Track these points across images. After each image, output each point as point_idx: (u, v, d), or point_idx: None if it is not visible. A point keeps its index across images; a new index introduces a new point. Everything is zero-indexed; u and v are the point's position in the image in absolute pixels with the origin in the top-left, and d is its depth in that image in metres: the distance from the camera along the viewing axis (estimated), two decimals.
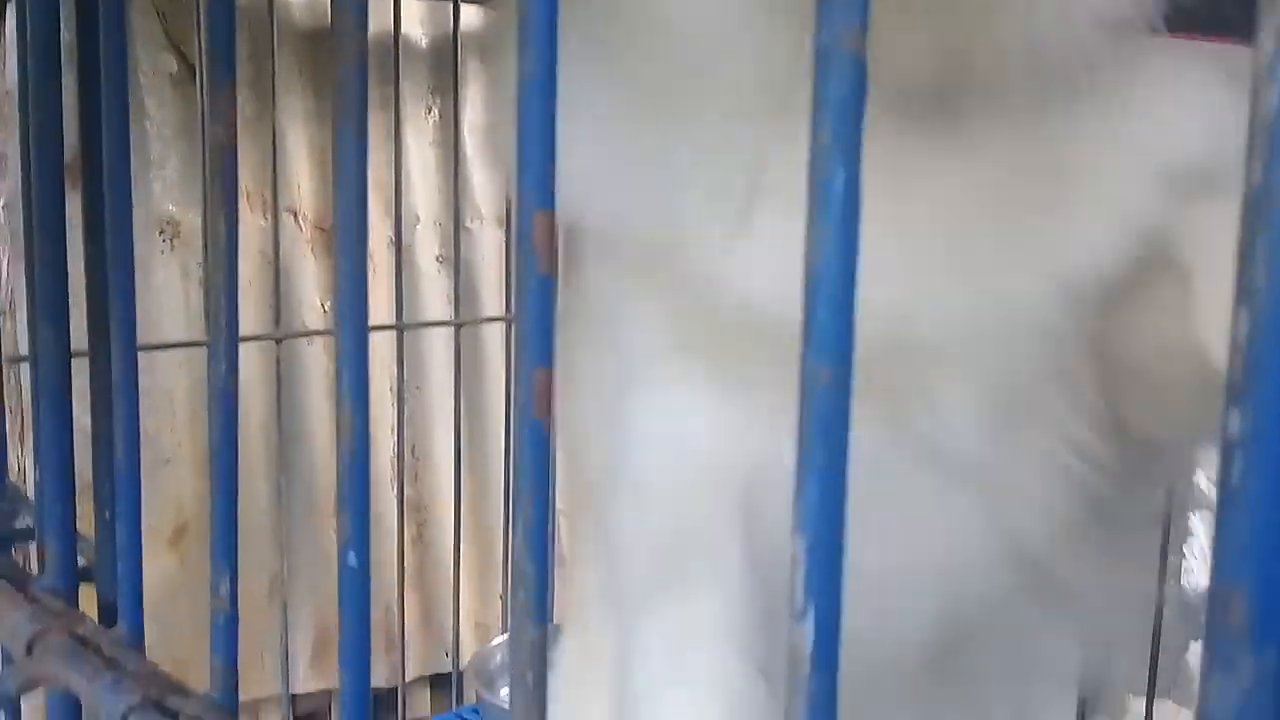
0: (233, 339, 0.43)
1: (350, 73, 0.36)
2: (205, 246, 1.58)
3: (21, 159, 0.55)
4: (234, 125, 0.42)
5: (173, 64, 1.75)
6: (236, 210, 0.44)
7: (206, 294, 1.47)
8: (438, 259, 1.97)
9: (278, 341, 1.55)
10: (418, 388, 1.90)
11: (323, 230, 1.86)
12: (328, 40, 1.67)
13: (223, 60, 0.41)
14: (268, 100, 1.60)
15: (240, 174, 1.71)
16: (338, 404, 0.38)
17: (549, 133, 0.29)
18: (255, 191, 1.73)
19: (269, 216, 1.72)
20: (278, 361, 1.55)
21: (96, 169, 0.50)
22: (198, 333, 1.67)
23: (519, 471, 0.31)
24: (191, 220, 1.73)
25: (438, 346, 1.89)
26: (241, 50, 1.69)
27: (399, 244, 1.62)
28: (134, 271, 0.50)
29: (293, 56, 1.82)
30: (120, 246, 0.49)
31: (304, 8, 1.84)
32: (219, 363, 0.43)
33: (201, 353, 0.72)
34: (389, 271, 1.67)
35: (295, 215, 1.84)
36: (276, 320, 1.61)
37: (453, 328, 1.67)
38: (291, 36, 1.81)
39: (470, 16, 1.93)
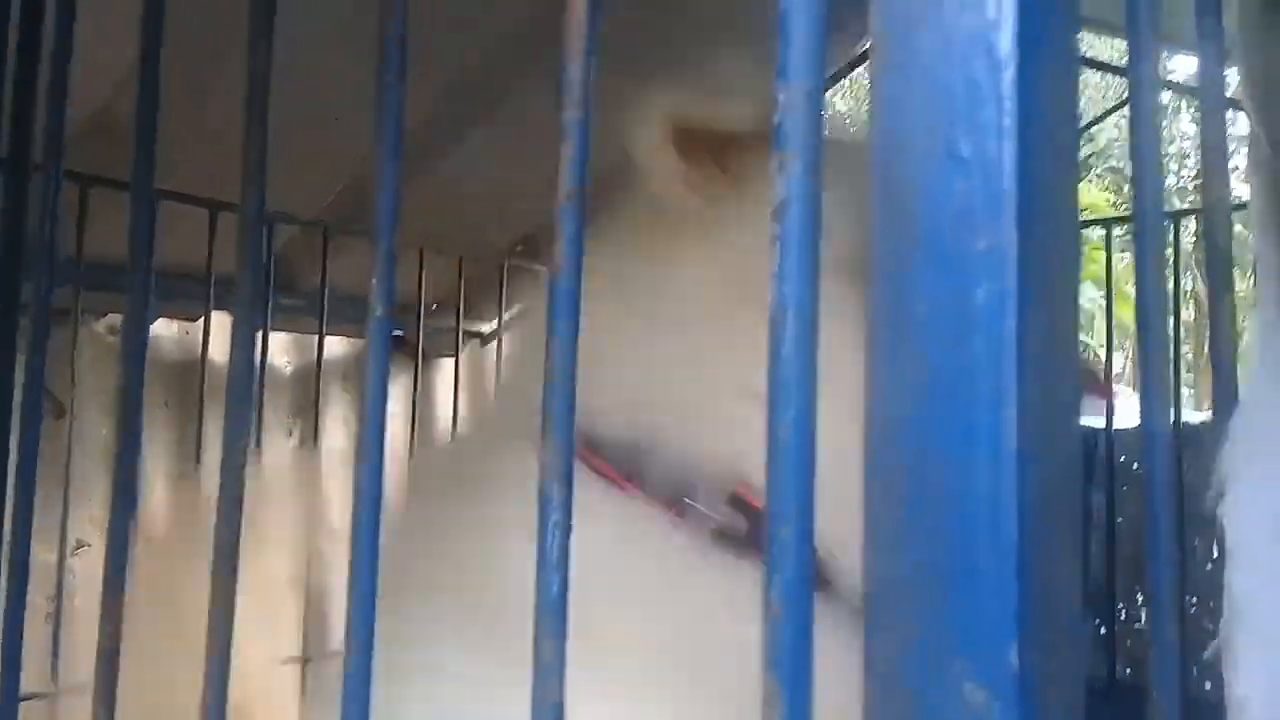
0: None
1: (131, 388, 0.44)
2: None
3: None
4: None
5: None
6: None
7: None
8: (288, 583, 1.98)
9: None
10: None
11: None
12: (194, 372, 1.77)
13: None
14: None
15: (94, 507, 1.73)
16: None
17: None
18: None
19: None
20: None
21: None
22: None
23: None
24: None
25: (287, 679, 1.87)
26: (110, 383, 1.76)
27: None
28: None
29: (159, 387, 1.88)
30: None
31: (173, 340, 1.93)
32: None
33: None
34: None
35: (149, 541, 1.85)
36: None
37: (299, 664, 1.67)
38: (161, 368, 1.89)
39: (333, 346, 2.06)
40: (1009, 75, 0.29)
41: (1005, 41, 0.29)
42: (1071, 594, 0.30)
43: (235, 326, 0.62)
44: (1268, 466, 0.61)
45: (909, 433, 0.28)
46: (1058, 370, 0.30)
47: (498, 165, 1.93)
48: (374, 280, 0.50)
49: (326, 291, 1.85)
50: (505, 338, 2.29)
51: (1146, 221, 0.47)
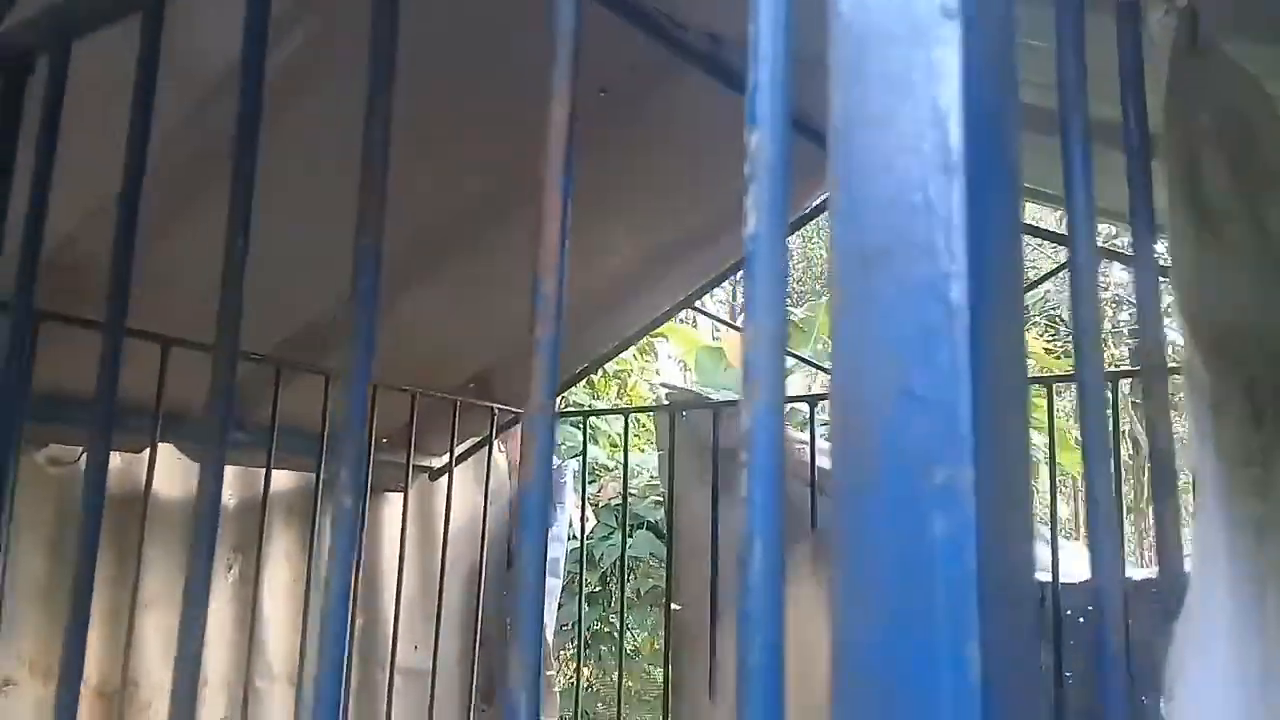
0: None
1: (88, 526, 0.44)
2: None
3: None
4: None
5: None
6: None
7: None
8: None
9: None
10: None
11: (103, 696, 1.80)
12: (133, 505, 1.74)
13: None
14: (64, 564, 1.61)
15: (24, 643, 1.68)
16: None
17: None
18: (39, 660, 1.69)
19: (49, 685, 1.67)
20: None
21: None
22: None
23: None
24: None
25: None
26: (46, 516, 1.72)
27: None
28: None
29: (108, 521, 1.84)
30: None
31: (114, 471, 1.90)
32: None
33: None
34: None
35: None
36: None
37: None
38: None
39: (279, 480, 2.04)
40: (962, 322, 0.31)
41: (958, 292, 0.31)
42: None
43: (205, 460, 0.62)
44: (1207, 672, 0.63)
45: (874, 662, 0.29)
46: (1018, 587, 0.32)
47: (452, 308, 1.96)
48: (345, 416, 0.50)
49: (277, 426, 1.84)
50: (457, 476, 2.29)
51: (1087, 387, 0.50)
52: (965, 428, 0.31)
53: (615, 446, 5.77)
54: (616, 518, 4.93)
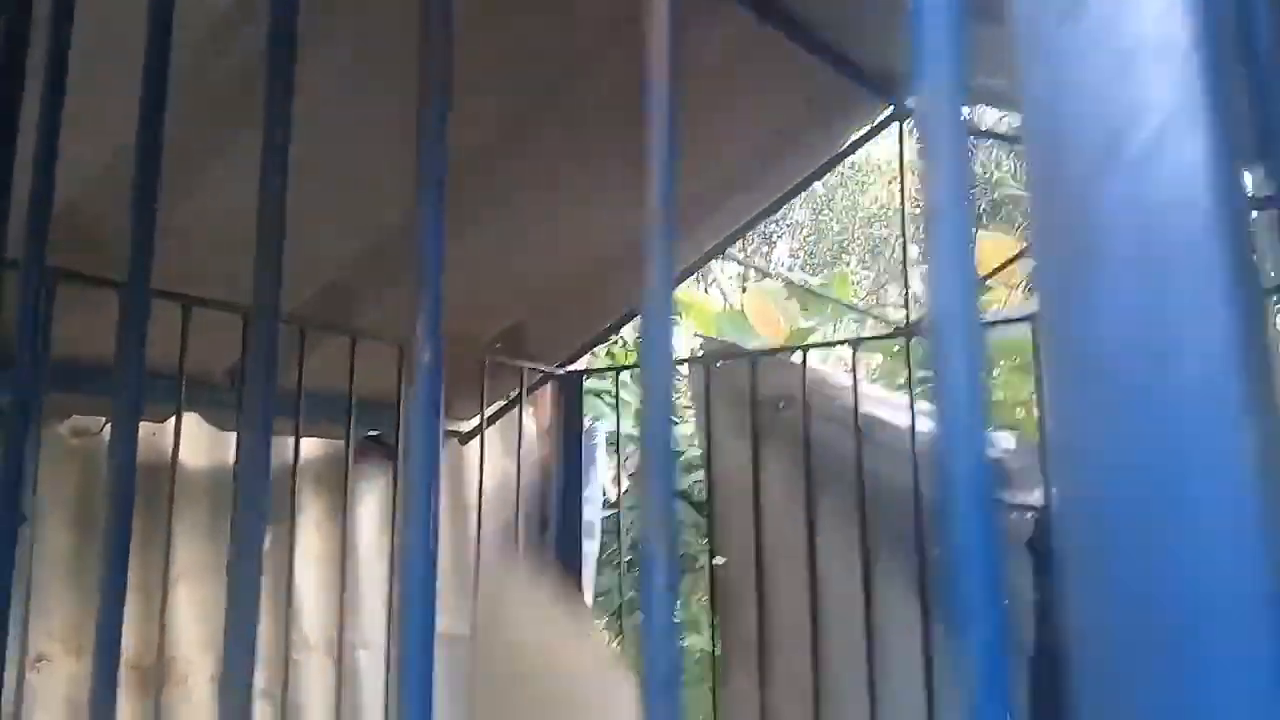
0: None
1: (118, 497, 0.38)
2: None
3: None
4: None
5: None
6: None
7: None
8: (260, 694, 1.87)
9: None
10: None
11: (137, 669, 1.77)
12: (157, 476, 1.69)
13: None
14: (90, 538, 1.57)
15: (54, 620, 1.64)
16: None
17: None
18: (70, 636, 1.65)
19: (82, 660, 1.63)
20: None
21: None
22: None
23: None
24: None
25: None
26: (71, 489, 1.68)
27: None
28: None
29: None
30: None
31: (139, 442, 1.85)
32: None
33: None
34: (208, 710, 1.58)
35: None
36: None
37: None
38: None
39: (309, 448, 1.98)
40: None
41: None
42: None
43: (243, 424, 0.56)
44: None
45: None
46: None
47: (480, 259, 1.90)
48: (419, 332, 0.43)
49: (303, 390, 1.79)
50: (486, 438, 2.23)
51: None
52: None
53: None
54: None
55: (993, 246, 3.32)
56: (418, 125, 0.46)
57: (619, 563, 4.12)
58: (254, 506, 0.53)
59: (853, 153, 2.18)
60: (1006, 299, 4.31)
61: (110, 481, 0.60)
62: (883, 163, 8.88)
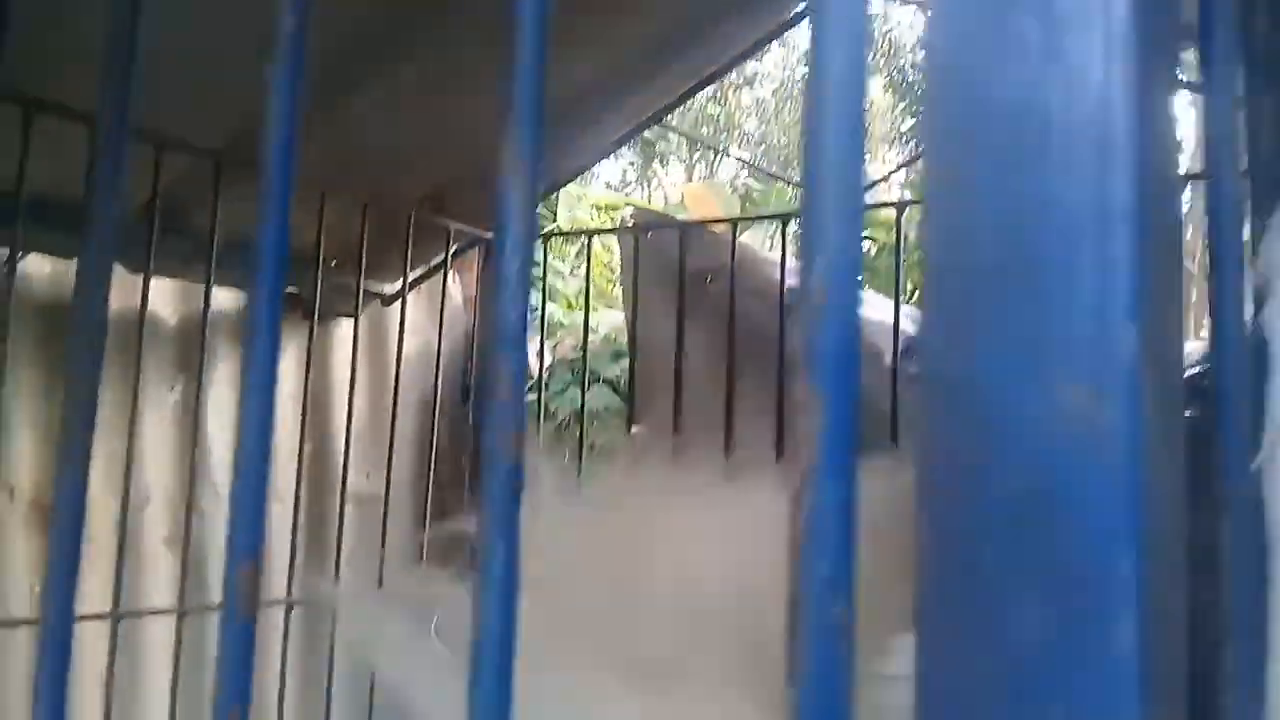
0: None
1: (82, 345, 0.36)
2: None
3: None
4: None
5: None
6: None
7: None
8: (164, 541, 1.85)
9: None
10: (131, 684, 1.73)
11: (38, 508, 1.73)
12: (62, 316, 1.63)
13: None
14: None
15: None
16: (32, 700, 0.35)
17: None
18: None
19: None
20: None
21: None
22: None
23: None
24: None
25: (159, 636, 1.74)
26: None
27: (124, 525, 1.52)
28: None
29: (33, 329, 1.74)
30: None
31: (46, 279, 1.79)
32: None
33: None
34: (111, 555, 1.56)
35: (11, 492, 1.71)
36: None
37: (175, 615, 1.55)
38: (32, 308, 1.74)
39: (220, 299, 1.93)
40: None
41: None
42: None
43: (82, 264, 0.49)
44: None
45: None
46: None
47: (408, 110, 1.84)
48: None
49: (217, 230, 1.72)
50: (410, 302, 2.19)
51: None
52: None
53: (572, 306, 5.69)
54: (573, 371, 4.87)
55: None
56: None
57: (539, 444, 4.12)
58: (88, 344, 0.50)
59: (770, 41, 2.12)
60: None
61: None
62: None
